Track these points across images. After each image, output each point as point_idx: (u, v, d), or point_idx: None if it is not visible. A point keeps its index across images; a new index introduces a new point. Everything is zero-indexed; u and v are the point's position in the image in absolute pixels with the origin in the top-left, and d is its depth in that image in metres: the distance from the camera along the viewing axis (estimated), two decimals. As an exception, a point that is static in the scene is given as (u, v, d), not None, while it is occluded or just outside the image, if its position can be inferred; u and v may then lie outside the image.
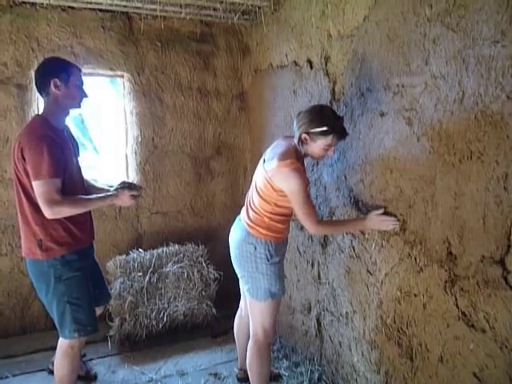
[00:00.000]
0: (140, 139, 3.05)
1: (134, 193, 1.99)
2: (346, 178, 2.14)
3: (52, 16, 2.75)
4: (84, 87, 1.93)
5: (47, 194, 1.74)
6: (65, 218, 1.82)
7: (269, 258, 1.91)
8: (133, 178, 3.05)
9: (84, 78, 1.97)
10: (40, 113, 1.93)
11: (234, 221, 2.11)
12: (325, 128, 1.75)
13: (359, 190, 2.04)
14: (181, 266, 2.87)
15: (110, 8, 2.80)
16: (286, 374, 2.44)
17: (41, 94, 1.88)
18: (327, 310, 2.34)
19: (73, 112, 1.98)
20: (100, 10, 2.85)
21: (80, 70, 1.93)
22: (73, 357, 1.96)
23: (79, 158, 2.03)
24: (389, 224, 1.82)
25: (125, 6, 2.78)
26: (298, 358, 2.56)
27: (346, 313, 2.18)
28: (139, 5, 2.70)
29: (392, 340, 1.89)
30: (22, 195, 1.83)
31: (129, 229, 3.10)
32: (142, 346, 2.64)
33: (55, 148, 1.77)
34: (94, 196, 1.93)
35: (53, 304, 1.90)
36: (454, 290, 1.57)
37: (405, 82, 1.72)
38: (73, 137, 2.05)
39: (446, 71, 1.53)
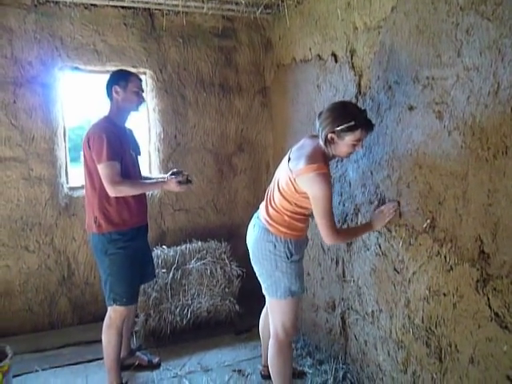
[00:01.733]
0: (163, 136, 3.07)
1: (179, 179, 2.17)
2: (371, 174, 2.09)
3: (75, 14, 2.78)
4: (141, 93, 2.20)
5: (110, 175, 2.04)
6: (117, 201, 2.12)
7: (289, 256, 1.88)
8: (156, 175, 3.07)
9: (143, 86, 2.25)
10: (107, 113, 2.20)
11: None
12: (352, 123, 1.70)
13: (386, 186, 1.99)
14: (204, 263, 2.88)
15: (131, 5, 2.82)
16: (310, 371, 2.42)
17: (108, 99, 2.19)
18: (352, 308, 2.30)
19: (131, 114, 2.26)
20: (122, 7, 2.87)
21: (139, 79, 2.21)
22: (114, 327, 2.19)
23: (139, 157, 2.33)
24: (390, 212, 1.89)
25: (146, 3, 2.78)
26: (322, 356, 2.53)
27: (372, 311, 2.13)
28: (161, 1, 2.70)
29: (420, 340, 1.84)
30: (87, 179, 2.15)
31: (153, 226, 3.12)
32: (166, 341, 2.66)
33: (114, 138, 2.08)
34: (147, 181, 2.23)
35: (101, 273, 2.20)
36: (487, 290, 1.51)
37: (435, 74, 1.66)
38: (134, 137, 2.35)
39: (480, 62, 1.46)
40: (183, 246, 2.97)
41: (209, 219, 3.26)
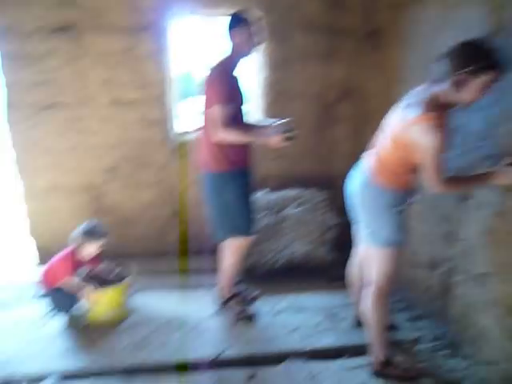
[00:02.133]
0: (268, 81, 3.06)
1: (287, 134, 2.13)
2: (496, 125, 1.86)
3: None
4: (254, 38, 2.19)
5: (223, 117, 2.13)
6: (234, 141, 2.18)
7: (392, 206, 1.84)
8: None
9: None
10: (224, 57, 2.25)
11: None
12: (488, 62, 1.51)
13: (514, 139, 1.77)
14: (301, 210, 2.92)
15: None
16: (405, 325, 2.39)
17: (229, 40, 2.21)
18: (458, 268, 2.18)
19: (245, 59, 2.28)
20: None
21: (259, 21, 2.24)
22: (234, 256, 2.45)
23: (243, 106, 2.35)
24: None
25: None
26: (418, 313, 2.48)
27: (482, 274, 2.00)
28: None
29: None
30: (206, 119, 2.25)
31: (256, 170, 3.22)
32: (262, 280, 2.82)
33: (231, 82, 2.19)
34: (255, 130, 2.25)
35: (218, 208, 2.36)
36: None
37: None
38: (240, 85, 2.34)
39: None
40: (282, 192, 3.03)
41: (308, 167, 3.26)
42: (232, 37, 2.20)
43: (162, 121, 3.03)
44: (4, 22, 2.77)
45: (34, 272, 3.10)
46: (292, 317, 2.50)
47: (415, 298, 2.58)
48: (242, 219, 2.36)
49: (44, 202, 3.14)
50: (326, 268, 2.90)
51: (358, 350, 2.21)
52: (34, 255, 3.33)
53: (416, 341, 2.29)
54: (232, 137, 2.16)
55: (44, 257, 3.24)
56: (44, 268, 2.44)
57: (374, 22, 3.04)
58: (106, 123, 2.99)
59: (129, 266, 2.62)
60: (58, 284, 2.39)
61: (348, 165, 3.11)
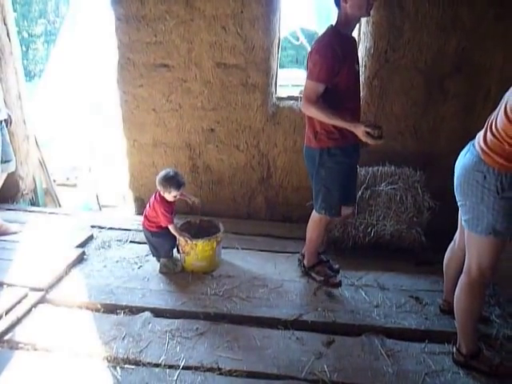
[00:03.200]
0: (372, 51, 2.92)
1: (369, 130, 2.02)
2: None
3: None
4: (365, 1, 2.04)
5: (308, 92, 2.12)
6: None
7: (499, 191, 1.68)
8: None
9: None
10: (333, 23, 2.17)
11: (462, 148, 1.89)
12: None
13: None
14: (394, 188, 2.81)
15: None
16: (498, 321, 2.24)
17: (337, 7, 2.13)
18: None
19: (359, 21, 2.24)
20: None
21: None
22: (320, 227, 2.47)
23: (357, 66, 2.26)
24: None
25: None
26: (515, 311, 2.30)
27: None
28: None
29: None
30: None
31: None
32: (346, 253, 2.80)
33: (334, 58, 2.05)
34: (339, 115, 2.10)
35: (314, 183, 2.38)
36: None
37: None
38: (356, 47, 2.28)
39: None
40: (375, 168, 2.94)
41: (406, 144, 3.09)
42: (342, 0, 2.07)
43: (264, 86, 3.05)
44: (124, -15, 2.97)
45: (133, 219, 3.43)
46: (374, 294, 2.47)
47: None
48: (330, 198, 2.33)
49: (144, 158, 3.41)
50: (416, 251, 2.78)
51: (441, 337, 2.14)
52: (132, 205, 3.66)
53: (509, 339, 2.13)
54: (313, 114, 2.15)
55: (139, 208, 3.56)
56: (144, 213, 2.66)
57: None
58: (209, 86, 3.11)
59: (219, 222, 2.76)
60: (160, 226, 2.56)
61: (453, 144, 2.92)
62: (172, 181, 2.47)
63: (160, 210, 2.51)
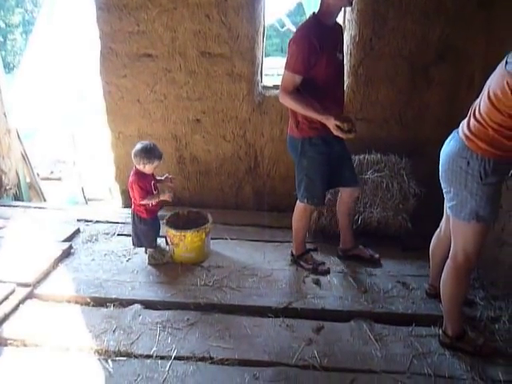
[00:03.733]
0: (357, 39, 2.92)
1: (339, 124, 2.05)
2: None
3: None
4: None
5: (285, 82, 2.16)
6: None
7: (482, 176, 1.71)
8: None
9: None
10: (311, 16, 2.16)
11: (447, 136, 1.91)
12: None
13: None
14: (380, 176, 2.84)
15: None
16: (482, 303, 2.30)
17: None
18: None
19: (336, 15, 2.17)
20: None
21: None
22: (305, 216, 2.50)
23: (341, 55, 2.25)
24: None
25: None
26: (498, 293, 2.36)
27: None
28: None
29: None
30: None
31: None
32: (334, 240, 2.82)
33: (310, 49, 2.06)
34: (313, 107, 2.12)
35: (296, 172, 2.41)
36: None
37: None
38: (342, 35, 2.30)
39: None
40: (361, 156, 2.96)
41: (391, 132, 3.12)
42: None
43: (250, 75, 3.04)
44: (105, -26, 2.89)
45: (119, 212, 3.40)
46: (362, 279, 2.51)
47: (496, 278, 2.44)
48: (313, 187, 2.37)
49: (129, 150, 3.33)
50: (402, 237, 2.83)
51: (428, 320, 2.19)
52: (119, 198, 3.63)
53: (493, 320, 2.19)
54: (289, 104, 2.18)
55: (126, 200, 3.52)
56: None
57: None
58: (194, 76, 3.07)
59: (208, 213, 2.75)
60: (143, 202, 2.48)
61: (437, 132, 2.98)
62: (152, 151, 2.42)
63: (135, 184, 2.46)
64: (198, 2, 2.90)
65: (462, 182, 1.77)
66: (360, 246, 2.70)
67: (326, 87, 2.19)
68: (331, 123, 2.07)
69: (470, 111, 1.79)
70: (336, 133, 2.08)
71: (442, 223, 2.18)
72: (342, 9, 2.22)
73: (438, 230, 2.23)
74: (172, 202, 2.63)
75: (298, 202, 2.50)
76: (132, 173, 2.52)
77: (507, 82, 1.55)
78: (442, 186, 1.93)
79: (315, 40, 2.06)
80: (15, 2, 12.89)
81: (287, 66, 2.14)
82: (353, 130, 2.07)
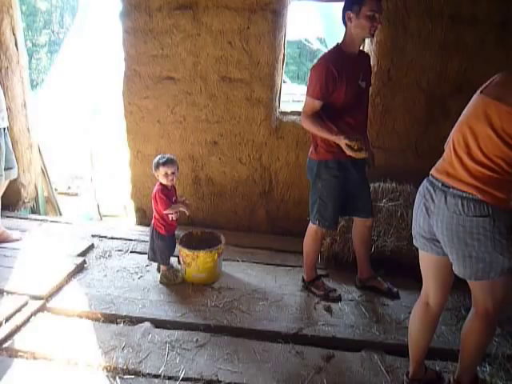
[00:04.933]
0: (375, 69, 2.98)
1: (348, 142, 2.10)
2: None
3: None
4: (377, 16, 2.10)
5: (305, 107, 2.27)
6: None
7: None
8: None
9: (378, 7, 2.10)
10: (334, 45, 2.26)
11: None
12: None
13: None
14: (395, 205, 2.84)
15: None
16: (497, 339, 2.24)
17: (344, 25, 2.20)
18: None
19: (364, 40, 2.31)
20: None
21: (376, 1, 2.08)
22: (316, 240, 2.51)
23: (364, 83, 2.29)
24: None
25: None
26: (515, 330, 2.30)
27: None
28: None
29: None
30: None
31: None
32: (346, 268, 2.80)
33: (328, 77, 2.14)
34: (327, 128, 2.20)
35: (311, 193, 2.44)
36: None
37: None
38: (367, 64, 2.37)
39: None
40: (376, 184, 2.97)
41: (407, 161, 3.13)
42: (347, 19, 2.14)
43: (268, 100, 3.10)
44: (134, 0, 3.02)
45: (134, 229, 3.44)
46: (374, 309, 2.47)
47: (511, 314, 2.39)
48: (325, 210, 2.38)
49: (147, 169, 3.42)
50: (416, 267, 2.78)
51: (441, 354, 2.13)
52: (133, 216, 3.67)
53: (509, 358, 2.13)
54: (307, 127, 2.28)
55: (141, 218, 3.57)
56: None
57: (507, 9, 2.78)
58: (214, 99, 3.15)
59: (221, 234, 2.77)
60: (166, 211, 2.51)
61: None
62: (161, 158, 2.49)
63: (158, 194, 2.50)
64: (221, 29, 3.01)
65: (489, 243, 1.49)
66: (378, 278, 2.66)
67: (345, 113, 2.25)
68: (342, 142, 2.12)
69: (456, 155, 1.55)
70: (347, 152, 2.12)
71: (428, 292, 1.81)
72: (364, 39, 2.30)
73: (421, 303, 1.85)
74: (188, 217, 2.64)
75: (309, 225, 2.50)
76: (156, 185, 2.57)
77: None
78: (452, 254, 1.59)
79: (334, 68, 2.14)
80: (43, 24, 13.45)
81: (307, 92, 2.23)
82: (363, 149, 2.11)
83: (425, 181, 1.72)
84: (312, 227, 2.49)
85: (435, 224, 1.59)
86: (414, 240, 1.78)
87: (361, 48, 2.49)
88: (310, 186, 2.47)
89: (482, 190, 1.47)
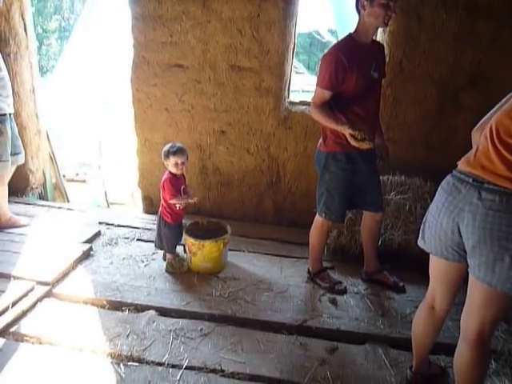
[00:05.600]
0: (387, 60, 2.92)
1: (351, 132, 2.07)
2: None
3: None
4: (391, 5, 2.05)
5: (314, 98, 2.24)
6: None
7: None
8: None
9: None
10: (347, 34, 2.21)
11: None
12: None
13: None
14: (403, 198, 2.81)
15: None
16: (503, 336, 2.22)
17: (357, 13, 2.15)
18: None
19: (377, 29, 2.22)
20: None
21: None
22: (322, 232, 2.50)
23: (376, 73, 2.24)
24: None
25: None
26: (520, 327, 2.28)
27: None
28: None
29: None
30: None
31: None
32: (352, 261, 2.79)
33: (337, 67, 2.10)
34: (335, 119, 2.18)
35: (318, 186, 2.43)
36: None
37: None
38: (381, 54, 2.32)
39: None
40: (385, 177, 2.93)
41: (417, 155, 3.09)
42: (360, 7, 2.10)
43: (277, 90, 3.06)
44: (143, -14, 2.99)
45: (140, 217, 3.44)
46: (379, 302, 2.46)
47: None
48: (332, 203, 2.36)
49: (155, 157, 3.41)
50: (423, 261, 2.76)
51: (446, 348, 2.10)
52: (140, 204, 3.68)
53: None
54: (315, 117, 2.26)
55: (148, 206, 3.57)
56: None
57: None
58: (222, 88, 3.12)
59: (227, 224, 2.76)
60: (172, 201, 2.51)
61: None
62: (172, 148, 2.48)
63: (166, 183, 2.50)
64: (231, 16, 2.96)
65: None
66: (385, 272, 2.64)
67: (356, 103, 2.22)
68: (346, 132, 2.09)
69: (493, 146, 1.42)
70: (351, 142, 2.10)
71: (435, 295, 1.72)
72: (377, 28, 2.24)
73: (427, 306, 1.76)
74: (195, 205, 2.61)
75: (316, 217, 2.49)
76: (165, 173, 2.57)
77: None
78: (479, 254, 1.42)
79: (344, 58, 2.10)
80: (53, 9, 13.41)
81: (317, 82, 2.20)
82: (366, 139, 2.07)
83: (449, 177, 1.58)
84: (318, 219, 2.47)
85: (465, 223, 1.45)
86: (421, 241, 1.68)
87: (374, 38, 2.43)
88: (317, 177, 2.45)
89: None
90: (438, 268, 1.67)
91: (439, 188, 1.61)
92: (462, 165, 1.55)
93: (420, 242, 1.69)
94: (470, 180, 1.46)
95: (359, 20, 2.15)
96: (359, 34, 2.17)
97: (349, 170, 2.30)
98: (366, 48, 2.19)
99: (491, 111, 1.60)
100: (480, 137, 1.56)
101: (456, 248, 1.53)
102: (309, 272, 2.65)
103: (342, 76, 2.12)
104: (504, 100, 1.54)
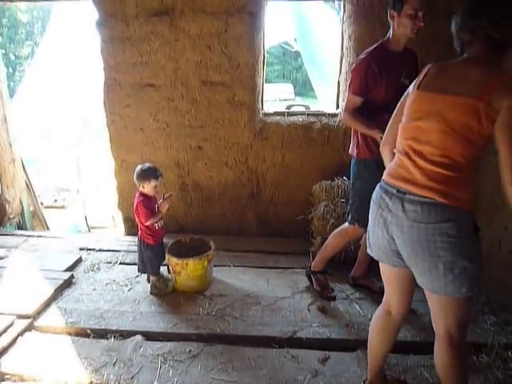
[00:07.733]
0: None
1: (381, 135, 1.99)
2: None
3: None
4: (419, 15, 2.03)
5: (346, 104, 2.30)
6: None
7: (473, 232, 1.41)
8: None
9: (421, 6, 2.01)
10: (378, 43, 2.23)
11: None
12: None
13: None
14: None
15: None
16: (492, 329, 2.23)
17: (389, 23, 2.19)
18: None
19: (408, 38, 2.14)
20: None
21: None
22: (344, 236, 2.49)
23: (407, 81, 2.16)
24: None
25: None
26: (510, 317, 2.29)
27: None
28: None
29: None
30: None
31: (334, 156, 3.17)
32: (339, 266, 2.77)
33: (367, 74, 2.15)
34: (366, 124, 2.20)
35: (350, 194, 2.45)
36: None
37: None
38: (412, 63, 2.29)
39: None
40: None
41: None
42: (390, 18, 2.12)
43: (251, 102, 3.08)
44: (110, 8, 2.97)
45: (122, 240, 3.38)
46: (369, 305, 2.46)
47: (507, 301, 2.39)
48: (364, 209, 2.29)
49: (132, 178, 3.35)
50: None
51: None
52: (121, 226, 3.62)
53: (505, 346, 2.12)
54: (347, 122, 2.38)
55: (129, 228, 3.51)
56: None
57: None
58: (196, 104, 3.11)
59: (210, 240, 2.73)
60: (148, 222, 2.47)
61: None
62: (150, 171, 2.45)
63: (140, 206, 2.45)
64: (199, 33, 2.97)
65: (456, 250, 1.35)
66: (372, 278, 2.63)
67: (385, 110, 2.15)
68: (377, 136, 2.10)
69: (408, 158, 1.41)
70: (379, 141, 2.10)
71: (392, 300, 1.69)
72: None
73: (383, 311, 1.74)
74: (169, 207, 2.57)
75: (346, 224, 2.46)
76: (136, 196, 2.53)
77: (484, 110, 1.26)
78: (415, 267, 1.45)
79: (374, 64, 2.15)
80: (25, 36, 13.31)
81: (348, 88, 2.26)
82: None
83: (377, 188, 1.57)
84: (348, 227, 2.44)
85: (396, 236, 1.45)
86: (369, 250, 1.66)
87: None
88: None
89: (441, 192, 1.34)
90: (388, 274, 1.66)
91: (371, 200, 1.61)
92: (386, 176, 1.56)
93: (368, 251, 1.68)
94: (394, 191, 1.45)
95: (390, 29, 2.17)
96: (390, 43, 2.20)
97: (379, 177, 2.26)
98: (396, 55, 2.20)
99: (389, 123, 1.65)
100: (391, 152, 1.61)
101: (398, 256, 1.52)
102: (309, 267, 2.64)
103: (372, 82, 2.16)
104: (397, 110, 1.60)
